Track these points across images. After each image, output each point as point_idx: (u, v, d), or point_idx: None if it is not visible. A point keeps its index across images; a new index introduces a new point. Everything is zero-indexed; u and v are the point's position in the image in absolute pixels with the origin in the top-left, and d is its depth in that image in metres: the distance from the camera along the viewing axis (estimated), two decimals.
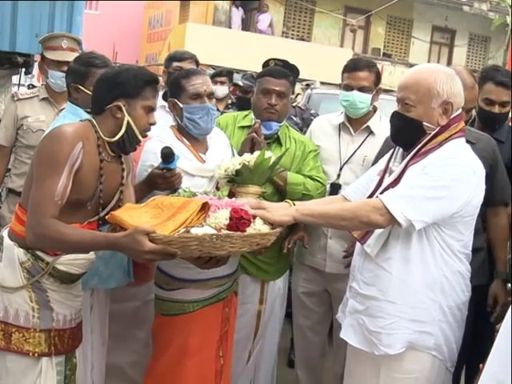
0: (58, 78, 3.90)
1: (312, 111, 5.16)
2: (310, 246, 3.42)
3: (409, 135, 2.56)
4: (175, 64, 4.06)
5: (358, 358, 2.66)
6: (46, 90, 4.02)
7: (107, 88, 2.48)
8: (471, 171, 2.48)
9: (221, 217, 2.41)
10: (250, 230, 2.42)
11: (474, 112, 3.59)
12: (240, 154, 2.98)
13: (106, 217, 2.48)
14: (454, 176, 2.43)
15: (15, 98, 4.00)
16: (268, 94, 3.31)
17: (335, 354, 3.55)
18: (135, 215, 2.39)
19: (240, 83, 6.03)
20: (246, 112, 3.60)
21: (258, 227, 2.45)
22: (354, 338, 2.62)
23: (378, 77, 3.49)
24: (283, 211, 2.56)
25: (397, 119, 2.59)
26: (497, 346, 1.95)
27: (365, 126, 3.48)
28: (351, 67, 3.47)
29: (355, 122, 3.51)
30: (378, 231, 2.54)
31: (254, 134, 3.17)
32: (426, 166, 2.46)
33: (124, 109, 2.46)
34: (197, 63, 4.16)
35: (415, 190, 2.42)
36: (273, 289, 3.43)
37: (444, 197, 2.42)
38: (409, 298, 2.51)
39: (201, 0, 19.87)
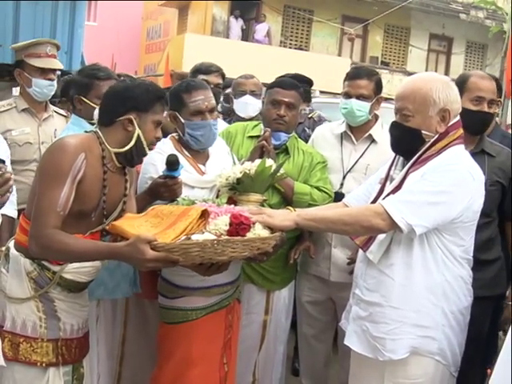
0: (44, 87, 3.78)
1: (326, 121, 5.02)
2: (315, 255, 3.43)
3: (408, 144, 2.59)
4: (201, 77, 3.96)
5: (362, 364, 2.67)
6: (25, 100, 3.85)
7: (119, 101, 2.50)
8: (470, 177, 2.50)
9: (221, 223, 2.44)
10: (249, 235, 2.45)
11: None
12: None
13: (107, 227, 2.50)
14: (453, 181, 2.46)
15: None
16: (277, 105, 3.32)
17: (341, 361, 3.54)
18: (136, 224, 2.41)
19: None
20: (255, 122, 3.62)
21: (257, 232, 2.47)
22: (357, 344, 2.64)
23: (378, 86, 3.50)
24: (284, 216, 2.59)
25: (396, 129, 2.62)
26: (503, 353, 1.96)
27: (367, 134, 3.48)
28: (351, 75, 3.51)
29: (357, 131, 3.51)
30: (380, 238, 2.56)
31: (264, 142, 3.19)
32: (425, 172, 2.49)
33: (135, 122, 2.48)
34: (223, 76, 4.09)
35: (416, 195, 2.45)
36: (278, 298, 3.42)
37: (444, 202, 2.44)
38: (411, 303, 2.52)
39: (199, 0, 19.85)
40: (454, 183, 2.46)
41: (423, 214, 2.43)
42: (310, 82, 5.16)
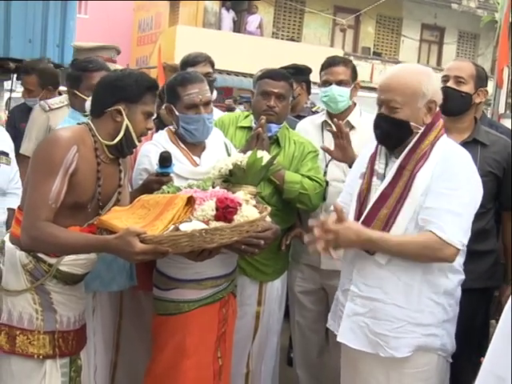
0: None
1: None
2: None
3: (397, 136, 2.57)
4: (189, 69, 3.86)
5: (359, 359, 2.62)
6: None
7: (108, 91, 2.50)
8: (473, 169, 2.55)
9: (207, 208, 2.45)
10: (237, 218, 2.45)
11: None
12: (245, 151, 2.97)
13: (95, 222, 2.49)
14: (468, 182, 2.50)
15: (46, 109, 3.79)
16: (267, 96, 3.30)
17: (332, 351, 3.54)
18: (123, 218, 2.41)
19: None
20: (246, 112, 3.62)
21: (245, 214, 2.48)
22: (354, 340, 2.58)
23: (354, 72, 3.57)
24: None
25: (383, 121, 2.57)
26: (495, 341, 1.97)
27: (345, 121, 3.45)
28: (327, 64, 3.56)
29: (336, 119, 3.49)
30: None
31: (260, 129, 3.16)
32: (433, 173, 2.48)
33: (124, 113, 2.48)
34: (212, 64, 4.07)
35: (457, 214, 2.45)
36: (271, 290, 3.41)
37: (473, 208, 2.52)
38: (415, 304, 2.51)
39: (191, 0, 19.84)
40: (469, 184, 2.50)
41: (467, 227, 2.49)
42: (308, 71, 5.06)
